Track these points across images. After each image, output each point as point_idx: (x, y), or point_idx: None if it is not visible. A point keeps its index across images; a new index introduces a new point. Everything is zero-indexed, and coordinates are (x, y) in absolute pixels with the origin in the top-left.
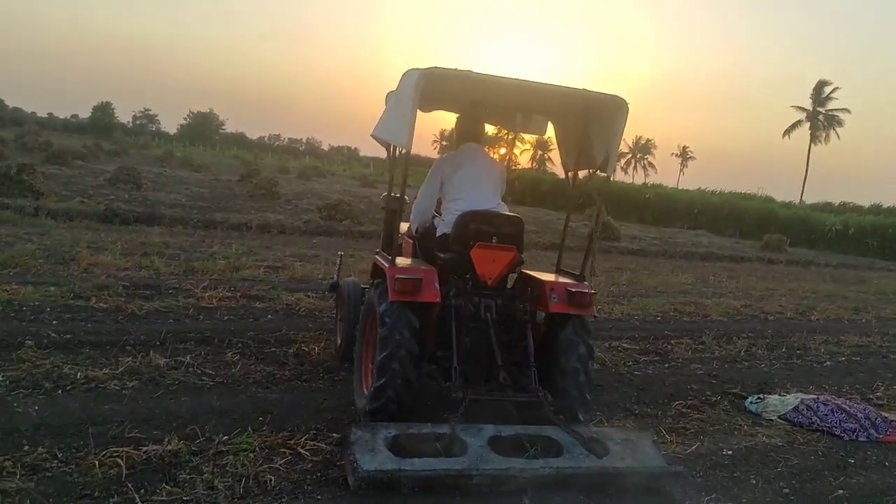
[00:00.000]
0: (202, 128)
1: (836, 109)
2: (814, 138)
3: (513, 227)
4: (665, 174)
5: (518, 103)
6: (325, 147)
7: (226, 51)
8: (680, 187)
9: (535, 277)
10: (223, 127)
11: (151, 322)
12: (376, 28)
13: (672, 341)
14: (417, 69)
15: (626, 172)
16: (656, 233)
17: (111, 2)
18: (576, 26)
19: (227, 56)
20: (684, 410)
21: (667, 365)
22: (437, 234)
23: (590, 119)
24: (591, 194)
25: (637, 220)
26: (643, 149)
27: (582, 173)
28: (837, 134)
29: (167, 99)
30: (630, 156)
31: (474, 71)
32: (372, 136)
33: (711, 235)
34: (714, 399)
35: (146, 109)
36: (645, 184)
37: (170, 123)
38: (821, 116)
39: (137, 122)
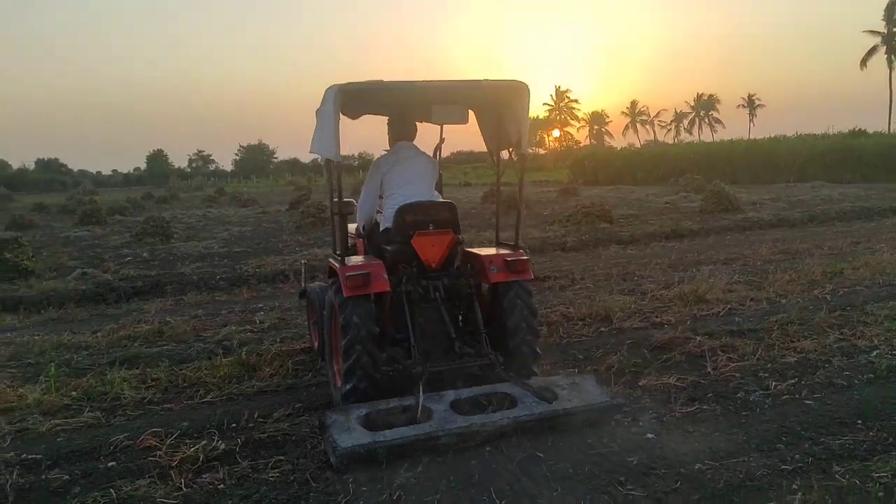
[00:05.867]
0: (255, 160)
1: None
2: (892, 63)
3: (447, 212)
4: (733, 128)
5: (438, 99)
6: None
7: (264, 83)
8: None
9: (476, 254)
10: (275, 156)
11: None
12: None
13: None
14: (335, 85)
15: (690, 133)
16: (768, 192)
17: (154, 52)
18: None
19: (267, 87)
20: None
21: None
22: (381, 230)
23: (500, 104)
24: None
25: (731, 181)
26: (706, 105)
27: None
28: None
29: (219, 137)
30: (693, 115)
31: (385, 80)
32: (310, 152)
33: (831, 186)
34: None
35: (200, 151)
36: (722, 139)
37: (226, 161)
38: None
39: (193, 165)
